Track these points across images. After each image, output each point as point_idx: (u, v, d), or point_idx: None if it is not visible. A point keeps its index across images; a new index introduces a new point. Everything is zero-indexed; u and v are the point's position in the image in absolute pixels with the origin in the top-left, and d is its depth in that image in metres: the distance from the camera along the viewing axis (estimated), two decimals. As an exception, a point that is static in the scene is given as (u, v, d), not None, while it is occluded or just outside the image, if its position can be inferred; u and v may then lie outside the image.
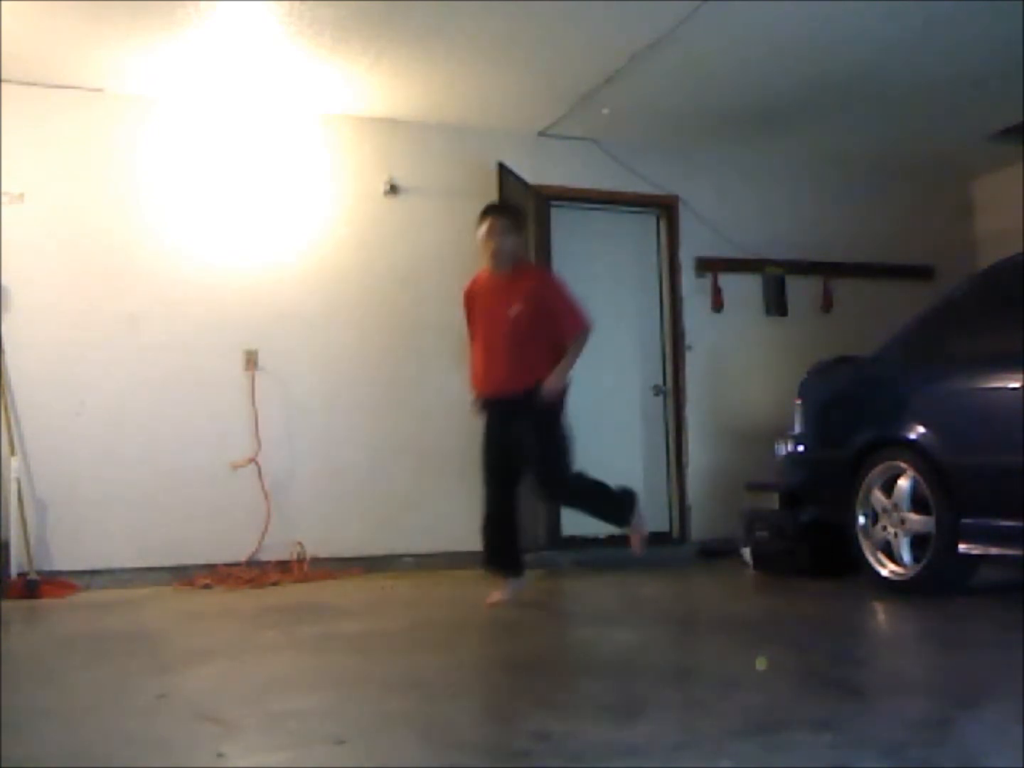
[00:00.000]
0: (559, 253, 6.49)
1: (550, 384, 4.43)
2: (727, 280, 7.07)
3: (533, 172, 6.43)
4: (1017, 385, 4.14)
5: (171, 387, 5.80)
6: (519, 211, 4.96)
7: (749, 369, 7.05)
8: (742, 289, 7.10)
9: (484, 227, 4.60)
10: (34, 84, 5.63)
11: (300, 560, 5.81)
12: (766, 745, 2.18)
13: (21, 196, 5.60)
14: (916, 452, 4.52)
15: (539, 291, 4.59)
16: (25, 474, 5.46)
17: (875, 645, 3.88)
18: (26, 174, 5.63)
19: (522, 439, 4.48)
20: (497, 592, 4.57)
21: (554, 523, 6.20)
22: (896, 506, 4.61)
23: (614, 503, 4.66)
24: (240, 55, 5.43)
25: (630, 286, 7.01)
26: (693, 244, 6.98)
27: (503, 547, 4.60)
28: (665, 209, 7.02)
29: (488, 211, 4.71)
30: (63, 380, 5.62)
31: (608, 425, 6.63)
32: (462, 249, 6.39)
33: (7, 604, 4.97)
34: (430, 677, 3.07)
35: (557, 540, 6.18)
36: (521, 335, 4.51)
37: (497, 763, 2.15)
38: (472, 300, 4.76)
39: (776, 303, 7.20)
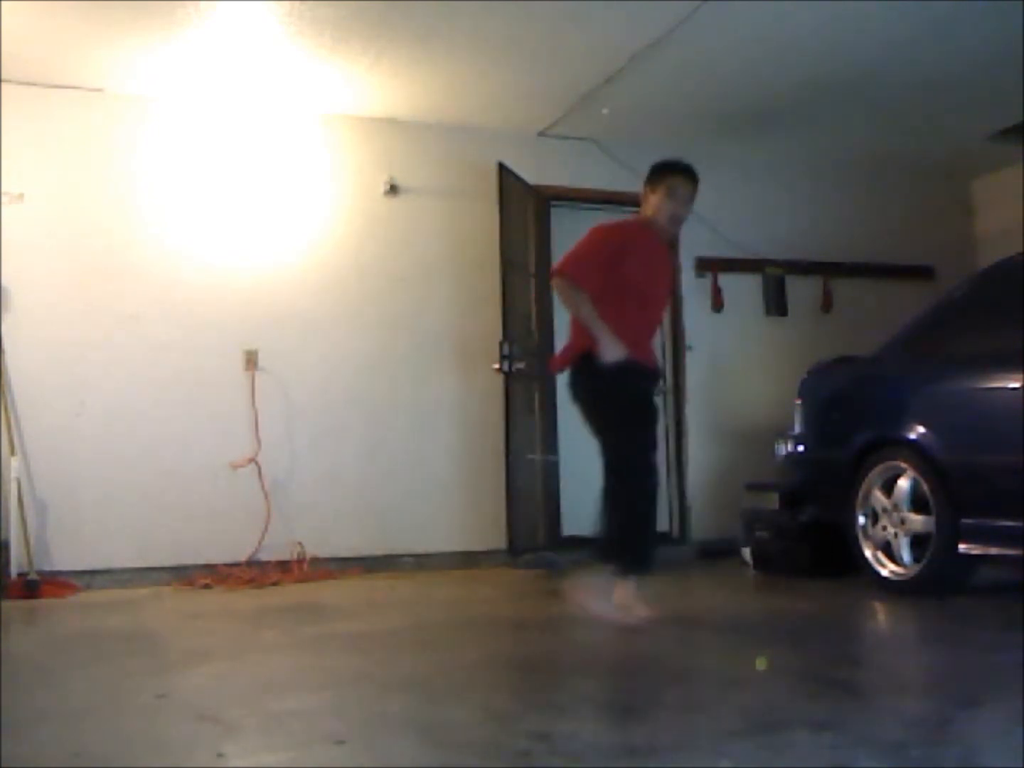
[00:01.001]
0: (559, 253, 6.43)
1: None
2: (727, 280, 7.07)
3: (533, 172, 6.43)
4: (1017, 385, 4.14)
5: (171, 387, 5.79)
6: None
7: (749, 369, 7.04)
8: (742, 289, 7.10)
9: (685, 190, 4.14)
10: (34, 84, 5.63)
11: (300, 560, 5.80)
12: (766, 745, 2.18)
13: (21, 196, 5.60)
14: (916, 452, 4.53)
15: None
16: (25, 474, 5.46)
17: (875, 645, 3.88)
18: (26, 174, 5.62)
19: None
20: (642, 606, 3.89)
21: (554, 523, 6.20)
22: (896, 506, 4.61)
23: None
24: (240, 55, 5.43)
25: (630, 286, 6.98)
26: (693, 244, 6.97)
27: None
28: (665, 209, 7.00)
29: (691, 173, 4.16)
30: (63, 380, 5.61)
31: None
32: (462, 249, 6.43)
33: (7, 604, 4.97)
34: (430, 677, 3.07)
35: (557, 540, 6.18)
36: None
37: (497, 763, 2.15)
38: (626, 249, 4.08)
39: (776, 303, 7.19)
